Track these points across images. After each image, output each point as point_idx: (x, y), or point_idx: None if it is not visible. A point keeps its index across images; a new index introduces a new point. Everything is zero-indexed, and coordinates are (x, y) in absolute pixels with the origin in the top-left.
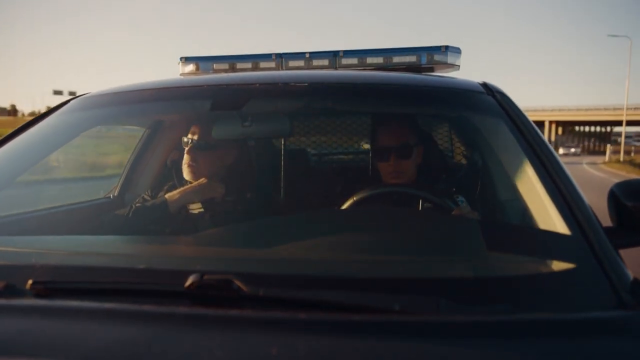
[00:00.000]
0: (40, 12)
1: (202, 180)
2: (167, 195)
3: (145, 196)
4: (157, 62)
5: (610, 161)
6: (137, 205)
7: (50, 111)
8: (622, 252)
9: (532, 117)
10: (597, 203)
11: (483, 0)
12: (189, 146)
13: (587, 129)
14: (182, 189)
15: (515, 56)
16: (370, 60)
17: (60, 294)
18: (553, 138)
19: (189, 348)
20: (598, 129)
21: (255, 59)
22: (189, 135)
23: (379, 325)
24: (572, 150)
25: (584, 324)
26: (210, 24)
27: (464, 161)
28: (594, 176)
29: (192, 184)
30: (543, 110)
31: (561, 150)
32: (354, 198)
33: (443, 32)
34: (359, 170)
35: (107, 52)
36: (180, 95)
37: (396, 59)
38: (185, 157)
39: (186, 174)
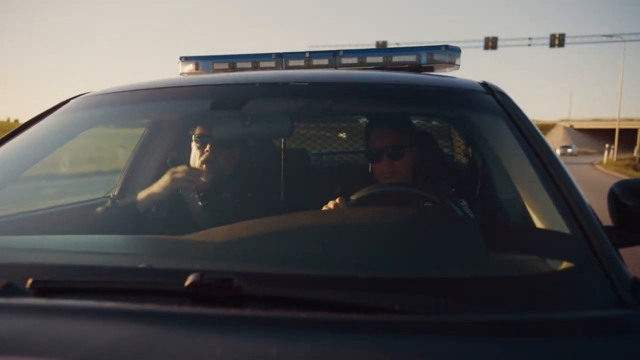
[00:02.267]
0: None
1: (184, 167)
2: (155, 189)
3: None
4: (156, 61)
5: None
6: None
7: (50, 111)
8: (622, 251)
9: (604, 126)
10: None
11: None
12: (207, 144)
13: None
14: (166, 177)
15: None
16: (370, 59)
17: (60, 293)
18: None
19: (189, 347)
20: None
21: (255, 59)
22: (202, 132)
23: (379, 324)
24: (569, 150)
25: (584, 323)
26: (210, 23)
27: (464, 160)
28: None
29: (177, 172)
30: (613, 120)
31: (558, 151)
32: (353, 197)
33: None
34: (360, 169)
35: (104, 52)
36: (180, 94)
37: (396, 59)
38: (205, 155)
39: (205, 175)
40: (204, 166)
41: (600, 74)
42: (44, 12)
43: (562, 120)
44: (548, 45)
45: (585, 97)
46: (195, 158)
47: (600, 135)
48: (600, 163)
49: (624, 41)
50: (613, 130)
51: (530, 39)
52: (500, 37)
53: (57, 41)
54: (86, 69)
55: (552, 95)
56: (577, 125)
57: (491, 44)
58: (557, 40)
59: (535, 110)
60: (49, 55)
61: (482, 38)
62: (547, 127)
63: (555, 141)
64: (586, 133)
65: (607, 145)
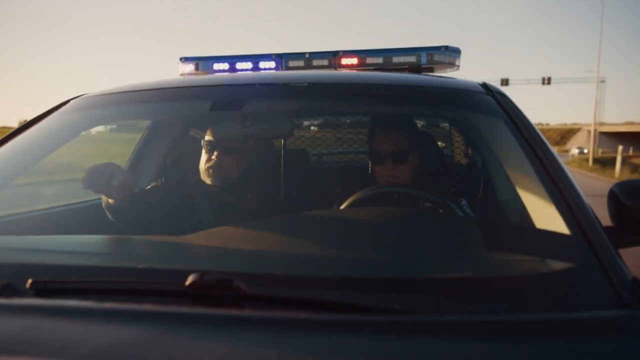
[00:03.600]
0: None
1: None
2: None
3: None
4: (156, 62)
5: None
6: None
7: (49, 112)
8: (622, 251)
9: (632, 129)
10: None
11: None
12: (214, 150)
13: None
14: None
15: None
16: (370, 60)
17: (60, 294)
18: None
19: (189, 347)
20: None
21: (254, 59)
22: (210, 137)
23: (379, 325)
24: None
25: (584, 323)
26: (210, 24)
27: (463, 161)
28: None
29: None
30: None
31: None
32: (353, 198)
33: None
34: (359, 170)
35: (103, 54)
36: (179, 95)
37: (396, 59)
38: (212, 160)
39: (211, 179)
40: (210, 170)
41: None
42: (38, 12)
43: (589, 125)
44: (541, 84)
45: (619, 102)
46: (203, 162)
47: (627, 138)
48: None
49: (601, 81)
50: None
51: (528, 79)
52: (510, 78)
53: (52, 41)
54: (83, 70)
55: (582, 100)
56: (604, 129)
57: (505, 82)
58: (547, 81)
59: (565, 115)
60: (42, 56)
61: (499, 79)
62: (573, 131)
63: (579, 143)
64: (611, 136)
65: (577, 147)
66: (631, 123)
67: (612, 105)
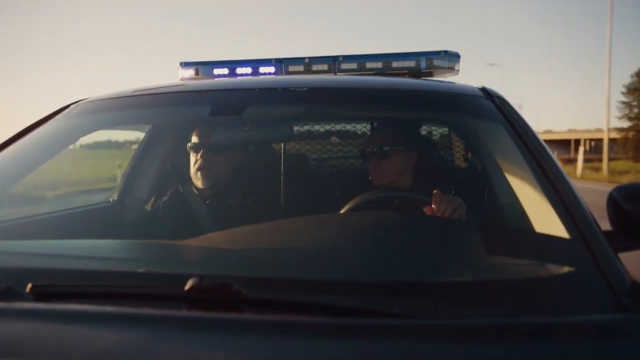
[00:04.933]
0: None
1: None
2: None
3: (147, 207)
4: (156, 67)
5: None
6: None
7: (49, 116)
8: (621, 256)
9: (568, 136)
10: None
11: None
12: (200, 150)
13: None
14: None
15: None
16: (369, 65)
17: (59, 298)
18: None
19: (188, 351)
20: None
21: (254, 64)
22: (195, 139)
23: (378, 328)
24: None
25: (584, 327)
26: (210, 29)
27: (463, 165)
28: None
29: None
30: (580, 130)
31: None
32: (353, 202)
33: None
34: (360, 175)
35: (102, 58)
36: (179, 100)
37: (395, 64)
38: (198, 161)
39: (201, 181)
40: (198, 173)
41: (576, 87)
42: (36, 15)
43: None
44: None
45: (564, 110)
46: (192, 166)
47: (562, 145)
48: None
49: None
50: (574, 140)
51: None
52: None
53: (50, 47)
54: (81, 77)
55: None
56: (546, 137)
57: None
58: None
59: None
60: (40, 59)
61: None
62: None
63: None
64: (550, 143)
65: None
66: (574, 130)
67: (557, 115)
